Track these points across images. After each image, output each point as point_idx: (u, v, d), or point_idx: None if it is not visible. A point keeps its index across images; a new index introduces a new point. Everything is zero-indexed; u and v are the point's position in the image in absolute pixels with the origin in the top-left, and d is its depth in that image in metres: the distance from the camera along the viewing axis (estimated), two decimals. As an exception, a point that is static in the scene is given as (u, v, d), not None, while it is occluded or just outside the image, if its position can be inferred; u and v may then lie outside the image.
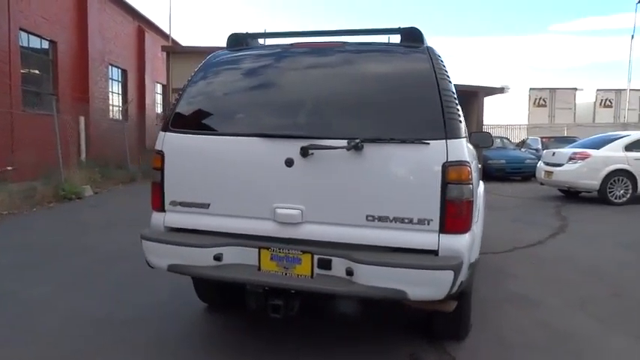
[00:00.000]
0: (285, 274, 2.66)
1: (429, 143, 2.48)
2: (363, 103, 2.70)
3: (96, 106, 15.15)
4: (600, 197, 10.10)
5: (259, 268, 2.70)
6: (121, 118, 17.08)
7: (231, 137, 2.78)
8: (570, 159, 10.38)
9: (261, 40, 3.42)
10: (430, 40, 2.98)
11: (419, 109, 2.60)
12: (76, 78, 14.32)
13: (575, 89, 29.25)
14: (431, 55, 2.75)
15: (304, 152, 2.59)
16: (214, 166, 2.82)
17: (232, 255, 2.72)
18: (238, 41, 3.27)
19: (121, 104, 17.87)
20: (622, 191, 10.04)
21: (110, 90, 16.99)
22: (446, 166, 2.46)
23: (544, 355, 3.13)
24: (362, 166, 2.57)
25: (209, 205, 2.83)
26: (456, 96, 2.65)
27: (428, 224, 2.50)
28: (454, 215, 2.48)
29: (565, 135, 21.00)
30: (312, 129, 2.66)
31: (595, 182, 10.04)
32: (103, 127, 15.30)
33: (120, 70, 17.82)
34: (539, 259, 5.57)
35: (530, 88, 29.24)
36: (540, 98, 28.92)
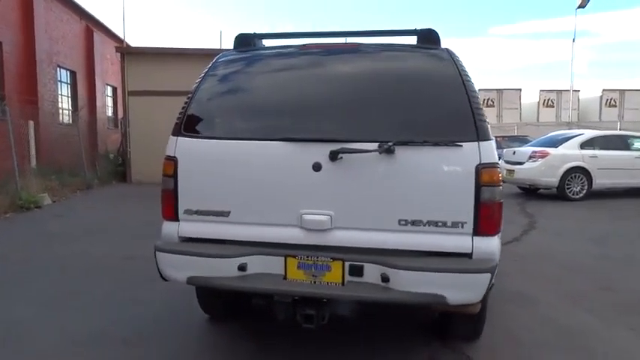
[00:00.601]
0: (314, 282, 2.57)
1: (461, 145, 2.46)
2: (390, 106, 2.65)
3: (45, 110, 14.30)
4: (559, 194, 10.57)
5: (285, 277, 2.60)
6: (71, 121, 16.24)
7: (254, 142, 2.66)
8: (530, 157, 10.79)
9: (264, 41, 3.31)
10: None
11: (448, 111, 2.58)
12: (23, 80, 13.46)
13: (520, 90, 30.58)
14: (453, 57, 2.75)
15: (333, 156, 2.51)
16: (235, 172, 2.68)
17: (257, 264, 2.61)
18: (246, 42, 3.14)
19: (71, 107, 16.98)
20: (579, 187, 10.54)
21: (59, 92, 16.11)
22: (479, 169, 2.45)
23: (558, 352, 3.20)
24: (393, 170, 2.52)
25: (229, 212, 2.69)
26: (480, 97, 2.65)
27: (462, 227, 2.48)
28: (487, 217, 2.48)
29: (516, 134, 21.85)
30: (341, 132, 2.58)
31: (554, 179, 10.48)
32: (53, 131, 14.46)
33: (69, 72, 16.93)
34: (520, 256, 5.72)
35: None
36: (488, 99, 30.00)
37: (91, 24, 18.56)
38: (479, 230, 2.47)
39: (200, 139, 2.74)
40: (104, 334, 3.41)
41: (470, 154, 2.46)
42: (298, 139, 2.58)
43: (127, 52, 14.16)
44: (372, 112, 2.65)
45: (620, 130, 16.94)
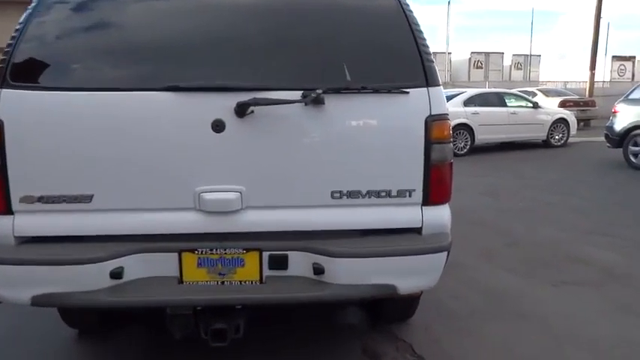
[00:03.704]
0: (222, 282, 1.93)
1: (408, 92, 1.93)
2: (315, 43, 2.02)
3: None
4: (446, 150, 10.85)
5: (181, 281, 1.91)
6: None
7: (124, 93, 1.86)
8: (419, 116, 10.90)
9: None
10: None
11: (389, 50, 2.03)
12: None
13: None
14: None
15: (241, 110, 1.83)
16: (97, 137, 1.87)
17: (138, 267, 1.88)
18: None
19: None
20: (463, 143, 10.87)
21: None
22: (429, 122, 1.94)
23: (494, 320, 2.97)
24: (322, 127, 1.92)
25: (91, 196, 1.89)
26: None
27: (410, 196, 1.98)
28: (439, 182, 2.01)
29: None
30: (250, 78, 1.91)
31: (441, 136, 10.71)
32: None
33: None
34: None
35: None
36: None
37: None
38: (430, 198, 2.00)
39: (40, 92, 1.86)
40: None
41: (418, 103, 1.94)
42: (190, 87, 1.86)
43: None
44: (292, 52, 2.00)
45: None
